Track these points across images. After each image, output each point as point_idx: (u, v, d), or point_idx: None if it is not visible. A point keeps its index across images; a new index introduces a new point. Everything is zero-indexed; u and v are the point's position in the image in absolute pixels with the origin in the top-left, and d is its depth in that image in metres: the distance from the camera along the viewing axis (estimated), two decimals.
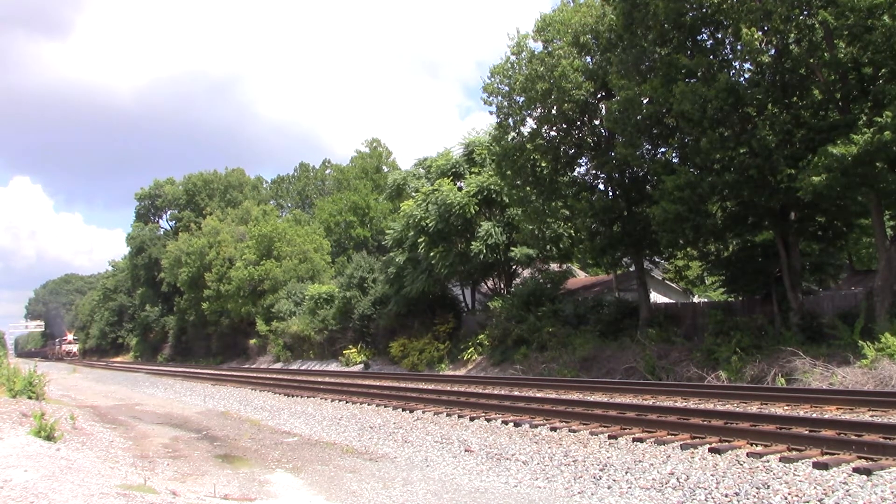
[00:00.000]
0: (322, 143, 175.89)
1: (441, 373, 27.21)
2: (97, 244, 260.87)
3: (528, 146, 23.30)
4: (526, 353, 24.46)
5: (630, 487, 7.67)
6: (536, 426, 11.35)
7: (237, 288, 49.00)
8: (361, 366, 34.47)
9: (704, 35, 18.32)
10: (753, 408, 11.72)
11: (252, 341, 49.63)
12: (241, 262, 50.09)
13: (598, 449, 9.42)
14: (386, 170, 56.40)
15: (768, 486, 6.92)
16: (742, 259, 20.16)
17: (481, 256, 27.57)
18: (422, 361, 29.86)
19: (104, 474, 8.53)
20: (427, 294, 31.11)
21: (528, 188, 24.10)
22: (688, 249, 22.11)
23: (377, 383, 23.40)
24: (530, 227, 24.72)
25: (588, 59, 22.26)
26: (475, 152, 31.40)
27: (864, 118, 14.76)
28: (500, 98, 23.92)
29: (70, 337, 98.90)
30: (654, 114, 18.70)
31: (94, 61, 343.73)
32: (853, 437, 8.11)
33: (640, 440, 9.49)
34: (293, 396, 20.09)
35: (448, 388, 18.95)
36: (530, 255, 28.07)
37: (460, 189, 29.38)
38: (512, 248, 28.35)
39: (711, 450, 8.50)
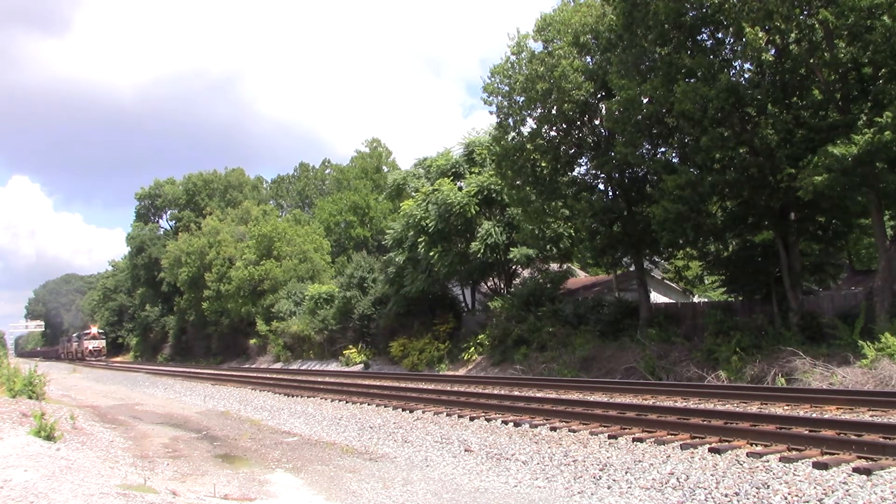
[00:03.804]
0: (322, 141, 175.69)
1: (441, 373, 27.21)
2: (97, 244, 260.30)
3: (528, 146, 23.30)
4: (526, 353, 24.46)
5: (630, 487, 7.67)
6: (536, 426, 11.35)
7: (237, 288, 49.00)
8: (361, 366, 34.47)
9: (705, 35, 18.32)
10: (753, 408, 11.72)
11: (252, 341, 49.63)
12: (241, 262, 50.10)
13: (597, 449, 9.42)
14: (386, 170, 56.43)
15: (768, 486, 6.92)
16: (742, 259, 20.15)
17: (481, 256, 27.57)
18: (422, 361, 29.86)
19: (104, 474, 8.53)
20: (427, 294, 31.12)
21: (528, 188, 24.10)
22: (688, 249, 22.11)
23: (377, 383, 23.40)
24: (530, 227, 24.72)
25: (588, 59, 22.27)
26: (475, 152, 31.41)
27: (864, 118, 14.76)
28: (500, 98, 23.94)
29: (94, 330, 78.48)
30: (655, 113, 18.71)
31: (92, 59, 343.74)
32: (853, 437, 8.11)
33: (640, 440, 9.50)
34: (293, 396, 20.10)
35: (448, 388, 18.95)
36: (530, 256, 28.07)
37: (460, 189, 29.38)
38: (512, 248, 28.36)
39: (711, 450, 8.50)
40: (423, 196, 29.80)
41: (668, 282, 31.90)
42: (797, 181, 15.34)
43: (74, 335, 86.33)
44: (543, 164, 23.44)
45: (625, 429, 10.31)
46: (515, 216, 27.07)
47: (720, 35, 18.02)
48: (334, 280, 46.46)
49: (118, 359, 77.40)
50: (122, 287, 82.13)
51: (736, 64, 18.02)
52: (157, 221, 76.61)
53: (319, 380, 25.64)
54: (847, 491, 6.51)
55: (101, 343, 76.81)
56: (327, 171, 73.17)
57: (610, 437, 9.96)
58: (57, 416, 12.80)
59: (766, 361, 16.07)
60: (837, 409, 11.04)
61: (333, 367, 36.50)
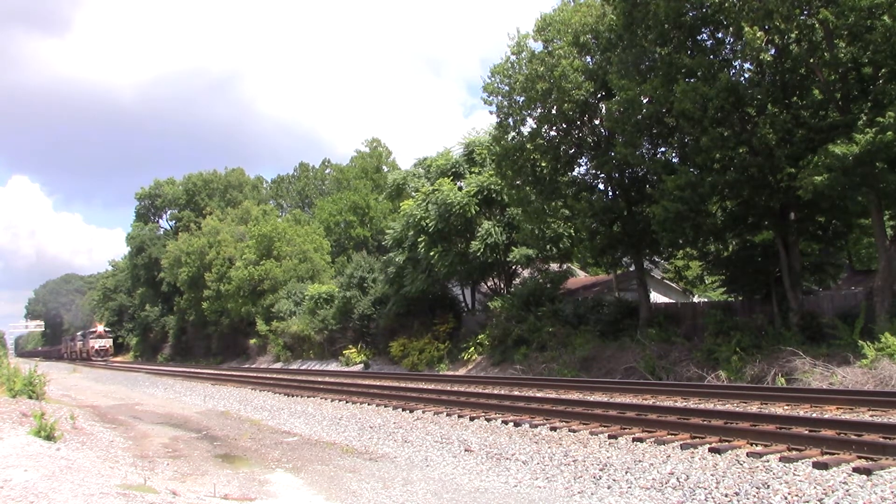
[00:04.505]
0: (322, 141, 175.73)
1: (441, 373, 27.21)
2: (97, 244, 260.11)
3: (528, 146, 23.31)
4: (526, 353, 24.46)
5: (630, 487, 7.67)
6: (536, 426, 11.35)
7: (237, 288, 49.01)
8: (361, 366, 34.48)
9: (705, 35, 18.33)
10: (753, 408, 11.72)
11: (252, 341, 49.64)
12: (241, 261, 50.12)
13: (598, 449, 9.42)
14: (386, 170, 56.44)
15: (768, 486, 6.92)
16: (742, 259, 20.16)
17: (481, 256, 27.57)
18: (422, 361, 29.86)
19: (104, 474, 8.53)
20: (427, 294, 31.12)
21: (528, 188, 24.11)
22: (688, 249, 22.12)
23: (377, 383, 23.41)
24: (530, 227, 24.73)
25: (588, 59, 22.27)
26: (475, 152, 31.42)
27: (864, 118, 14.77)
28: (500, 98, 23.95)
29: (100, 329, 74.63)
30: (654, 113, 18.71)
31: (92, 59, 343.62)
32: (853, 437, 8.11)
33: (640, 440, 9.50)
34: (293, 396, 20.10)
35: (448, 388, 18.95)
36: (530, 256, 28.09)
37: (460, 189, 29.39)
38: (512, 248, 28.38)
39: (711, 450, 8.50)
40: (423, 196, 29.80)
41: (668, 282, 31.89)
42: (797, 181, 15.34)
43: (79, 334, 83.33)
44: (543, 164, 23.44)
45: (625, 429, 10.31)
46: (515, 216, 27.07)
47: (720, 35, 18.02)
48: (334, 280, 46.46)
49: (118, 359, 77.22)
50: (122, 287, 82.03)
51: (736, 64, 18.04)
52: (157, 221, 76.63)
53: (319, 380, 25.64)
54: (847, 491, 6.50)
55: (108, 342, 73.43)
56: (327, 171, 73.19)
57: (610, 437, 9.95)
58: (57, 416, 12.79)
59: (766, 361, 16.07)
60: (837, 409, 11.04)
61: (333, 367, 36.51)
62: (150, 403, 22.71)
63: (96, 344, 72.43)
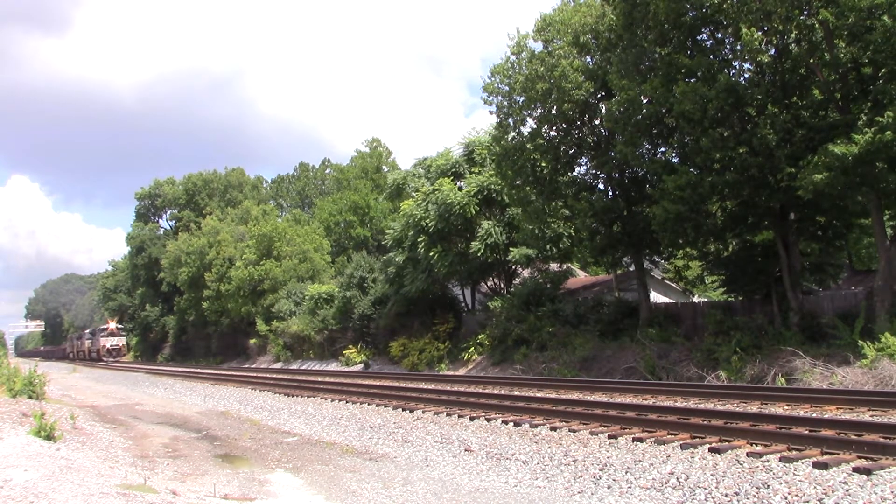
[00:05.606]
0: (322, 141, 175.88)
1: (441, 373, 27.21)
2: (97, 244, 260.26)
3: (528, 146, 23.31)
4: (526, 353, 24.46)
5: (630, 487, 7.67)
6: (536, 426, 11.35)
7: (237, 288, 49.00)
8: (361, 366, 34.47)
9: (704, 35, 18.34)
10: (753, 408, 11.72)
11: (252, 341, 49.63)
12: (241, 261, 50.10)
13: (598, 449, 9.42)
14: (386, 170, 56.42)
15: (768, 486, 6.93)
16: (742, 259, 20.16)
17: (481, 256, 27.57)
18: (422, 361, 29.85)
19: (104, 474, 8.53)
20: (427, 294, 31.11)
21: (528, 188, 24.11)
22: (688, 249, 22.11)
23: (377, 383, 23.40)
24: (530, 227, 24.73)
25: (588, 59, 22.27)
26: (475, 152, 31.41)
27: (864, 118, 14.77)
28: (500, 98, 23.94)
29: (112, 326, 69.13)
30: (654, 114, 18.72)
31: (92, 58, 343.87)
32: (853, 437, 8.12)
33: (640, 440, 9.50)
34: (293, 396, 20.10)
35: (448, 388, 18.95)
36: (530, 256, 28.08)
37: (460, 189, 29.38)
38: (512, 248, 28.37)
39: (711, 449, 8.50)
40: (423, 196, 29.79)
41: (668, 282, 31.88)
42: (797, 181, 15.34)
43: (87, 332, 78.28)
44: (543, 164, 23.44)
45: (625, 429, 10.31)
46: (515, 216, 27.07)
47: (720, 35, 18.02)
48: (334, 280, 46.45)
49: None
50: (122, 287, 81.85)
51: (735, 64, 18.04)
52: (157, 221, 76.53)
53: (319, 380, 25.63)
54: (847, 491, 6.51)
55: (121, 341, 68.13)
56: (327, 171, 73.16)
57: (610, 436, 9.96)
58: (57, 416, 12.80)
59: (766, 361, 16.08)
60: (837, 408, 11.04)
61: (333, 367, 36.50)
62: (150, 403, 22.70)
63: (108, 343, 67.63)
